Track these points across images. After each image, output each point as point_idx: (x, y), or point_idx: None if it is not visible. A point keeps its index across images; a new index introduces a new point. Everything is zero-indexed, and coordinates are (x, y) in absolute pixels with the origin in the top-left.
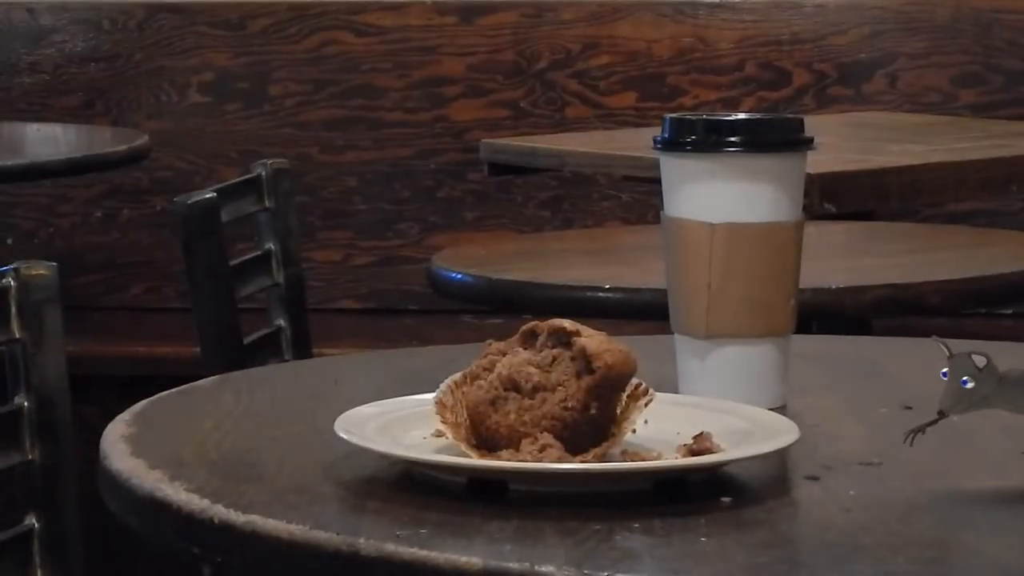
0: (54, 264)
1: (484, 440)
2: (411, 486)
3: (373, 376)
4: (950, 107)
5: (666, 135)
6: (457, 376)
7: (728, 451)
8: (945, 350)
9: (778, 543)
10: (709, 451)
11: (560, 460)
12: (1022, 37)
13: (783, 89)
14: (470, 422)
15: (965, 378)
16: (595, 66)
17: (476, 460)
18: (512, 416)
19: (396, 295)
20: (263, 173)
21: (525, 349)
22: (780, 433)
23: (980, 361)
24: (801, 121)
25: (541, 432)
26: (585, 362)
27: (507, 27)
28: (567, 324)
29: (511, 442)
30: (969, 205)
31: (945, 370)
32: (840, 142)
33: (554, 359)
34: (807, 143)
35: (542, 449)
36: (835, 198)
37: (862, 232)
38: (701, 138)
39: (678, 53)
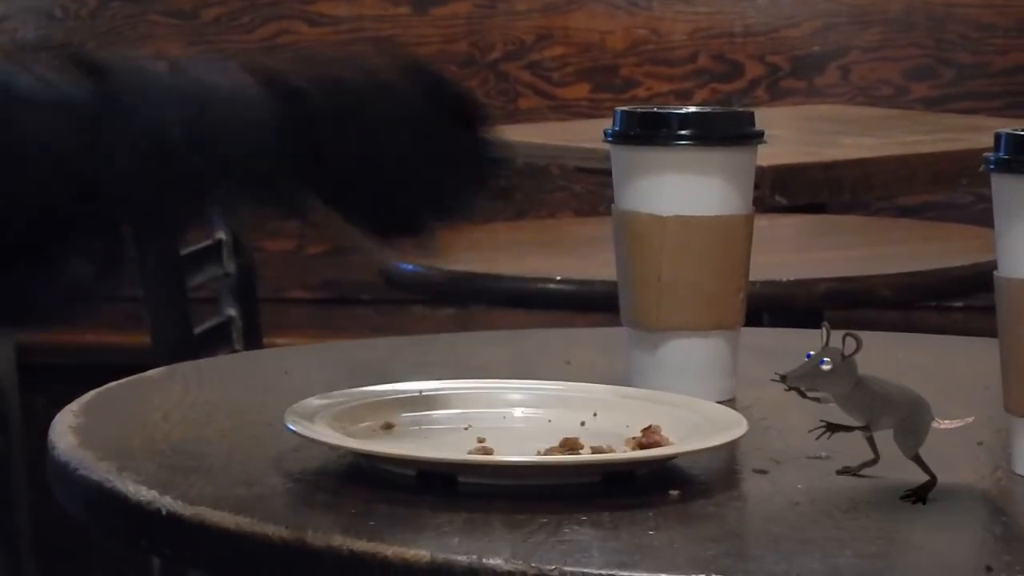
0: None
1: None
2: (360, 478)
3: (323, 367)
4: (902, 100)
5: (617, 128)
6: None
7: (677, 444)
8: (825, 336)
9: (726, 536)
10: (658, 444)
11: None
12: (974, 31)
13: (736, 81)
14: None
15: (825, 359)
16: (548, 57)
17: (425, 453)
18: None
19: (348, 285)
20: None
21: None
22: (729, 426)
23: (851, 346)
24: (752, 115)
25: None
26: None
27: (460, 17)
28: None
29: None
30: (920, 198)
31: (811, 352)
32: (792, 135)
33: None
34: (757, 137)
35: None
36: (787, 191)
37: (813, 225)
38: (651, 131)
39: (631, 44)
